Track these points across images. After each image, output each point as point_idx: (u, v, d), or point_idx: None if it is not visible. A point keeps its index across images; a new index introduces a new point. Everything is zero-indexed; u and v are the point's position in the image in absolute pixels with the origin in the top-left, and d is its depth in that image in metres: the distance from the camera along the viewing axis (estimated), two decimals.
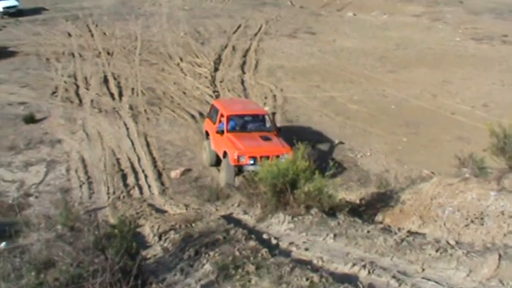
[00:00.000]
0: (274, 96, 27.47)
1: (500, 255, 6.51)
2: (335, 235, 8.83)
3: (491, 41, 41.22)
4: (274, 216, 10.49)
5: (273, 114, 21.72)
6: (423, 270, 6.90)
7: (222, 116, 19.99)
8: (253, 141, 19.11)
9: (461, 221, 9.94)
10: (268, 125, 20.60)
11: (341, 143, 22.08)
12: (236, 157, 18.04)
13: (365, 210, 11.57)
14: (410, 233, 8.89)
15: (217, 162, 19.86)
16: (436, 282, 6.42)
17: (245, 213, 11.77)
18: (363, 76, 30.94)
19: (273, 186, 10.81)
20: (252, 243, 8.83)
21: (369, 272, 6.94)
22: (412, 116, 25.24)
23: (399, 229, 9.32)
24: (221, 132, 19.29)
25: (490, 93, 28.77)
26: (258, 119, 20.82)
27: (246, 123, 20.37)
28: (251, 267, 7.44)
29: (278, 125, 22.04)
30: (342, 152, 21.41)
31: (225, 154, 18.69)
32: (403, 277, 6.65)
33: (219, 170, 19.53)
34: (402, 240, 8.01)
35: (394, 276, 6.65)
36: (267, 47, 36.32)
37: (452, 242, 7.80)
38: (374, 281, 6.70)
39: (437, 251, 7.27)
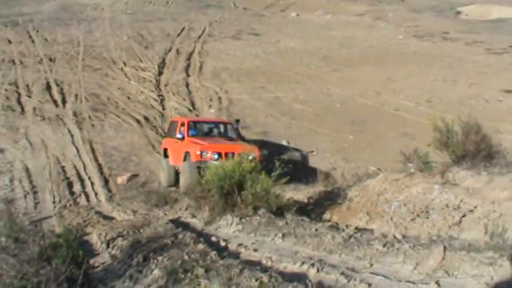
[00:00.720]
0: (220, 98, 27.42)
1: (445, 247, 6.61)
2: (283, 235, 8.84)
3: (433, 38, 42.02)
4: (223, 219, 10.45)
5: (237, 121, 20.47)
6: (371, 265, 6.95)
7: (182, 124, 19.11)
8: (217, 141, 18.40)
9: (408, 215, 10.09)
10: (231, 133, 19.58)
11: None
12: (199, 152, 16.87)
13: (313, 209, 11.63)
14: (358, 229, 8.96)
15: (176, 181, 18.46)
16: (384, 276, 6.47)
17: (193, 216, 11.70)
18: (308, 76, 31.16)
19: (220, 189, 10.78)
20: (200, 246, 8.77)
21: (318, 270, 6.95)
22: (357, 114, 25.52)
23: (347, 226, 9.40)
24: (181, 139, 18.31)
25: (433, 89, 29.31)
26: (221, 127, 20.03)
27: (208, 131, 19.66)
28: (200, 271, 7.37)
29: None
30: (289, 152, 21.45)
31: (185, 157, 17.73)
32: (351, 273, 6.68)
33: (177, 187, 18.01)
34: (350, 236, 8.07)
35: (342, 273, 6.67)
36: (211, 49, 36.25)
37: (399, 236, 7.89)
38: (323, 278, 6.71)
39: (384, 245, 7.34)
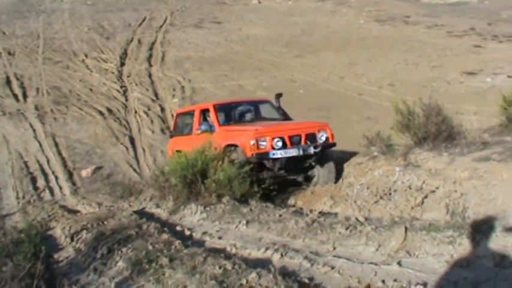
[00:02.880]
0: (183, 87, 27.32)
1: (406, 228, 6.67)
2: (247, 221, 8.84)
3: (394, 22, 42.34)
4: (187, 208, 10.41)
5: (279, 96, 15.62)
6: (334, 248, 6.98)
7: (203, 112, 14.65)
8: (269, 124, 13.73)
9: (371, 197, 10.19)
10: (273, 114, 15.17)
11: None
12: (255, 141, 12.08)
13: (277, 195, 11.66)
14: (321, 213, 9.00)
15: None
16: (347, 259, 6.50)
17: (158, 206, 11.63)
18: (270, 63, 31.19)
19: (183, 178, 10.74)
20: (165, 236, 8.74)
21: (282, 255, 6.97)
22: (321, 99, 25.62)
23: (311, 211, 9.44)
24: (210, 131, 13.54)
25: (395, 73, 29.55)
26: (258, 108, 15.39)
27: (241, 116, 14.75)
28: (165, 260, 7.35)
29: None
30: None
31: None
32: (315, 257, 6.71)
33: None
34: (313, 221, 8.10)
35: (306, 257, 6.69)
36: (173, 38, 36.08)
37: (361, 219, 7.95)
38: (287, 263, 6.73)
39: (347, 228, 7.38)
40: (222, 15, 43.19)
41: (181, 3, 46.88)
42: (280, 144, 12.21)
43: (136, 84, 27.79)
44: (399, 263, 6.12)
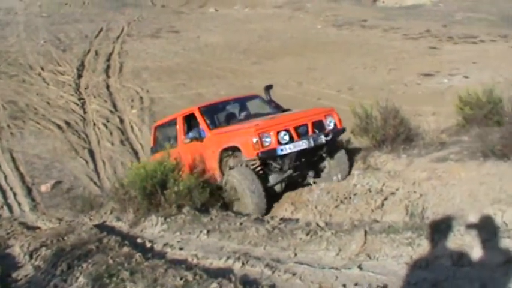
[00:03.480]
0: (141, 98, 27.16)
1: (366, 231, 6.70)
2: (208, 231, 8.78)
3: (351, 27, 42.76)
4: (147, 219, 10.30)
5: (268, 88, 14.17)
6: (295, 255, 6.97)
7: (187, 118, 12.93)
8: (268, 117, 12.03)
9: (331, 202, 10.24)
10: (265, 109, 13.53)
11: None
12: (258, 138, 10.51)
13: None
14: (282, 220, 8.99)
15: None
16: (308, 264, 6.49)
17: (118, 219, 11.49)
18: (229, 70, 31.21)
19: (143, 189, 10.61)
20: (125, 249, 8.62)
21: (243, 263, 6.92)
22: (281, 104, 25.59)
23: (272, 218, 9.42)
24: (199, 139, 12.09)
25: (354, 77, 29.80)
26: (247, 106, 13.85)
27: (231, 116, 13.23)
28: (125, 274, 7.25)
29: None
30: None
31: (221, 162, 11.74)
32: (276, 264, 6.68)
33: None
34: (274, 228, 8.08)
35: (267, 265, 6.66)
36: (131, 49, 35.88)
37: (322, 224, 7.95)
38: (248, 271, 6.69)
39: (307, 234, 7.37)
40: (180, 24, 43.11)
41: (138, 13, 46.71)
42: (287, 137, 10.75)
43: (94, 96, 27.53)
44: (360, 267, 6.13)
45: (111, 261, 7.95)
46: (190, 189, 10.28)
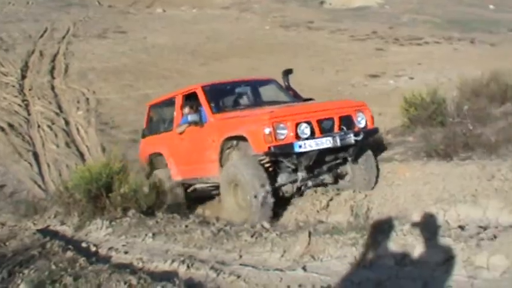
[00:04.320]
0: (87, 99, 26.70)
1: (310, 232, 6.75)
2: (154, 234, 8.71)
3: (298, 28, 43.01)
4: (92, 223, 10.14)
5: (287, 73, 12.80)
6: (241, 257, 6.99)
7: (188, 97, 11.24)
8: (286, 106, 10.47)
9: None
10: (281, 96, 11.80)
11: None
12: (271, 129, 8.74)
13: (185, 205, 11.56)
14: (228, 222, 8.98)
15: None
16: (253, 266, 6.52)
17: (62, 223, 11.28)
18: (176, 71, 31.00)
19: (87, 192, 10.45)
20: (69, 254, 8.47)
21: (188, 266, 6.90)
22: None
23: (217, 220, 9.40)
24: (199, 122, 10.42)
25: (301, 78, 29.84)
26: (261, 90, 12.06)
27: (239, 100, 11.52)
28: (68, 279, 7.11)
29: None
30: None
31: (222, 155, 10.08)
32: (221, 267, 6.68)
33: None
34: (219, 230, 8.06)
35: (212, 267, 6.66)
36: (77, 49, 35.28)
37: (267, 226, 7.99)
38: (193, 275, 6.67)
39: (252, 236, 7.40)
40: (127, 25, 42.65)
41: (84, 13, 46.04)
42: (308, 131, 8.95)
43: (39, 98, 26.94)
44: (304, 268, 6.18)
45: (54, 267, 7.80)
46: (135, 191, 10.17)
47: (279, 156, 9.20)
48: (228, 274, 6.37)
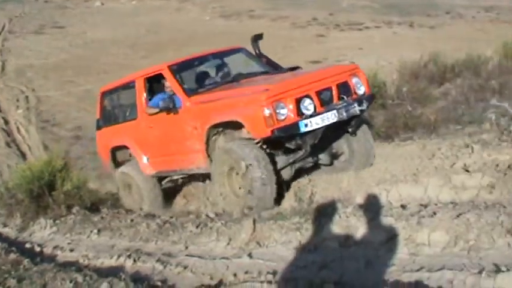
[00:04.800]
0: (27, 97, 26.15)
1: (255, 220, 6.77)
2: (99, 230, 8.63)
3: (239, 17, 42.96)
4: (36, 223, 9.95)
5: (257, 38, 10.84)
6: (187, 248, 6.98)
7: (151, 80, 9.91)
8: (276, 79, 9.10)
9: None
10: (257, 65, 10.35)
11: None
12: (271, 109, 7.63)
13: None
14: (173, 214, 8.96)
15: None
16: (199, 256, 6.53)
17: (5, 225, 11.02)
18: (116, 65, 30.55)
19: (29, 192, 10.24)
20: (12, 255, 8.29)
21: (135, 260, 6.87)
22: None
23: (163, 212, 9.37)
24: (172, 109, 9.01)
25: None
26: (231, 63, 10.43)
27: (209, 77, 10.08)
28: (12, 282, 6.96)
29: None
30: None
31: (209, 142, 8.75)
32: (167, 259, 6.68)
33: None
34: (165, 222, 8.04)
35: (159, 260, 6.65)
36: (13, 46, 34.58)
37: (212, 215, 7.99)
38: (140, 268, 6.64)
39: (198, 226, 7.39)
40: (65, 20, 41.97)
41: (20, 9, 45.09)
42: (311, 107, 7.88)
43: None
44: (250, 255, 6.21)
45: None
46: (79, 188, 10.04)
47: (286, 138, 8.08)
48: (175, 265, 6.37)
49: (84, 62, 31.20)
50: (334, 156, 9.19)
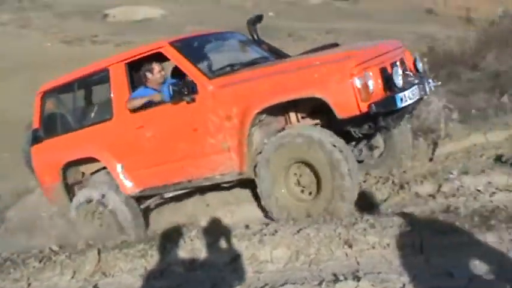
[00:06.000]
0: None
1: (99, 250, 6.71)
2: None
3: (82, 43, 42.11)
4: None
5: (256, 21, 8.88)
6: (29, 285, 6.76)
7: (154, 58, 7.59)
8: (337, 50, 7.51)
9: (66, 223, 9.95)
10: (255, 51, 8.61)
11: None
12: (363, 77, 6.11)
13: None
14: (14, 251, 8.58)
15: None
16: None
17: None
18: None
19: None
20: None
21: None
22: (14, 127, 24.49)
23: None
24: (187, 94, 6.90)
25: None
26: (241, 44, 8.72)
27: (223, 56, 8.04)
28: None
29: None
30: None
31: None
32: None
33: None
34: (6, 260, 7.71)
35: None
36: None
37: (55, 248, 7.77)
38: None
39: (41, 261, 7.17)
40: None
41: None
42: (400, 78, 6.42)
43: None
44: (95, 286, 6.16)
45: None
46: None
47: (386, 113, 6.39)
48: None
49: None
50: (371, 149, 7.74)
